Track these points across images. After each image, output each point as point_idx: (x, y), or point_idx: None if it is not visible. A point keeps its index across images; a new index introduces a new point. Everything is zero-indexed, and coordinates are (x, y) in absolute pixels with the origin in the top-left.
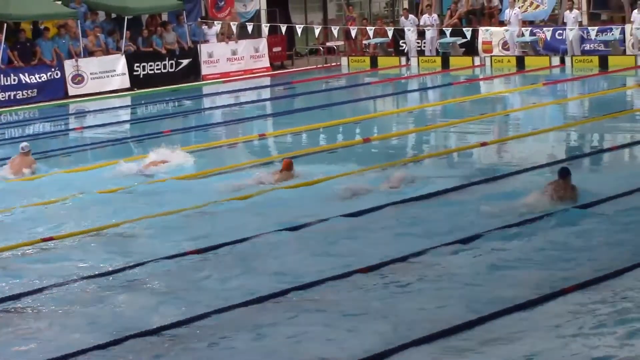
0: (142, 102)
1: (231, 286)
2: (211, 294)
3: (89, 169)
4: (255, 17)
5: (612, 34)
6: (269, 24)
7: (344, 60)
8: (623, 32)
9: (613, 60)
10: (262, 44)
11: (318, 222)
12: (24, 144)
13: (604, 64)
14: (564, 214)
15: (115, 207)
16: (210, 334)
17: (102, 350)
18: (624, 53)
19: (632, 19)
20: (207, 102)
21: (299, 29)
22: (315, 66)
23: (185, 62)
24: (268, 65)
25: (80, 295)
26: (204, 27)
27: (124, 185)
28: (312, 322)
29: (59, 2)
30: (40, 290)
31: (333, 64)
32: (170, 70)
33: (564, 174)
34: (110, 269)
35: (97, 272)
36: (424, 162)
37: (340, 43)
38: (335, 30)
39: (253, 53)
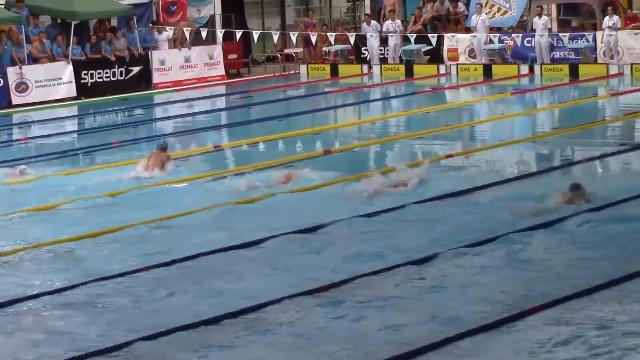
0: (90, 111)
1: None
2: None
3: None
4: (210, 23)
5: (584, 42)
6: (224, 30)
7: (303, 68)
8: (594, 39)
9: (584, 69)
10: (217, 50)
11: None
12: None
13: (574, 73)
14: (528, 233)
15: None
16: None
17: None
18: (595, 61)
19: (603, 26)
20: (158, 112)
21: (255, 35)
22: (272, 74)
23: (135, 69)
24: (223, 73)
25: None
26: (155, 32)
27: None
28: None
29: (1, 6)
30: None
31: (291, 72)
32: (119, 78)
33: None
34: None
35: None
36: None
37: (299, 50)
38: (293, 36)
39: (207, 60)
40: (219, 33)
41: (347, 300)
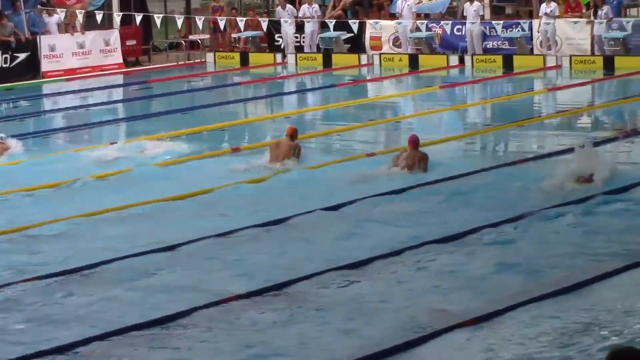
0: None
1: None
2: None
3: None
4: (106, 5)
5: (518, 30)
6: (121, 13)
7: (209, 57)
8: (530, 27)
9: (519, 61)
10: (114, 36)
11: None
12: None
13: (508, 65)
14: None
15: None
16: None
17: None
18: (531, 52)
19: (540, 14)
20: (48, 104)
21: (157, 19)
22: (176, 63)
23: (22, 56)
24: (120, 61)
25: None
26: (45, 15)
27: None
28: None
29: None
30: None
31: (197, 61)
32: (3, 65)
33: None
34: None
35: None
36: (302, 173)
37: (206, 36)
38: (199, 21)
39: (103, 47)
40: (116, 16)
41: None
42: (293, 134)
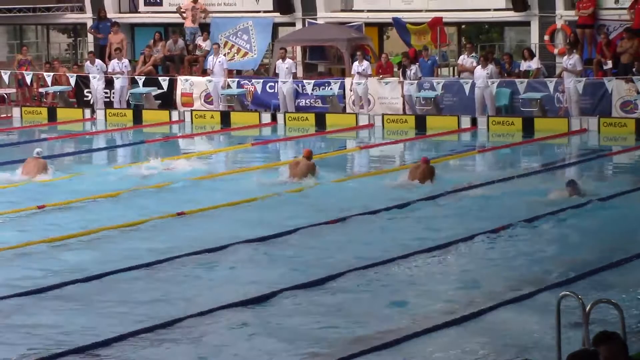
0: None
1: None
2: None
3: None
4: None
5: (331, 89)
6: None
7: (15, 112)
8: (343, 86)
9: (331, 119)
10: None
11: None
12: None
13: (321, 123)
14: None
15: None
16: None
17: None
18: (343, 110)
19: (352, 72)
20: None
21: None
22: None
23: None
24: None
25: None
26: None
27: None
28: None
29: None
30: None
31: (3, 116)
32: None
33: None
34: None
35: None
36: (106, 234)
37: (12, 91)
38: (5, 75)
39: None
40: None
41: None
42: (309, 155)
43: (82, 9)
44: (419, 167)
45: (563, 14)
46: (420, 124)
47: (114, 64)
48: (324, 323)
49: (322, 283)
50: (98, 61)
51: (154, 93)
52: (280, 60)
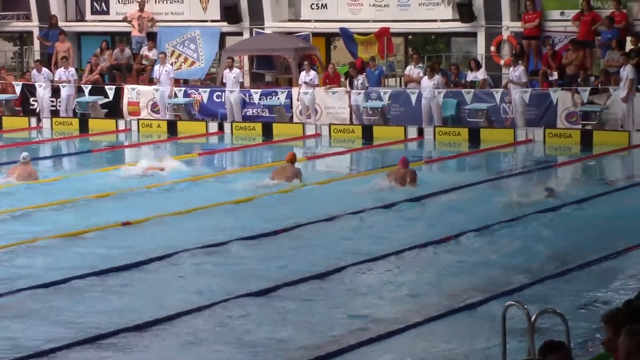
0: None
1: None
2: None
3: None
4: None
5: (278, 99)
6: None
7: None
8: (290, 96)
9: (278, 129)
10: None
11: None
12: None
13: (268, 132)
14: None
15: None
16: None
17: None
18: (290, 120)
19: (299, 82)
20: None
21: None
22: None
23: None
24: None
25: None
26: None
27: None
28: None
29: None
30: None
31: None
32: None
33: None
34: None
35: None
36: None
37: None
38: None
39: None
40: None
41: None
42: (293, 159)
43: (28, 17)
44: (398, 170)
45: (509, 25)
46: (367, 134)
47: (60, 73)
48: (271, 331)
49: (273, 291)
50: (45, 69)
51: (100, 102)
52: (227, 70)
